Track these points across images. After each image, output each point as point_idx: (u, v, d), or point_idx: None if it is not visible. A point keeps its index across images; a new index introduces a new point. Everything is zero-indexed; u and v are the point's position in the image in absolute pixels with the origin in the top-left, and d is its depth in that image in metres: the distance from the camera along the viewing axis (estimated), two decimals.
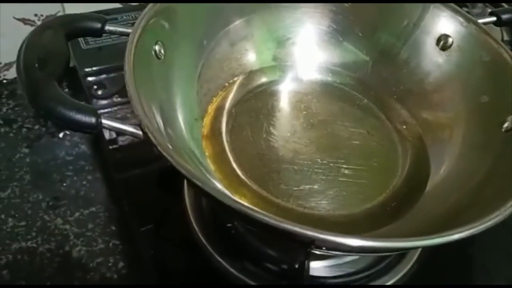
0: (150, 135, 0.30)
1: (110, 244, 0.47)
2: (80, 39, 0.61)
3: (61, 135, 0.56)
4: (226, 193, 0.38)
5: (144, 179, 0.50)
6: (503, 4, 0.71)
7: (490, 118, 0.42)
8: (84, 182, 0.52)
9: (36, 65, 0.31)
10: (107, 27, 0.38)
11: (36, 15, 0.60)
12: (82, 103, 0.32)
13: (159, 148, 0.30)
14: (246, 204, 0.29)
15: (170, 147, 0.33)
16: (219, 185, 0.39)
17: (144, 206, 0.47)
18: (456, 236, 0.30)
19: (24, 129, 0.56)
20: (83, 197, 0.51)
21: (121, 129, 0.32)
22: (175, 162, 0.29)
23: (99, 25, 0.37)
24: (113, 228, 0.48)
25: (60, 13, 0.61)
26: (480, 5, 0.68)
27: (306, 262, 0.38)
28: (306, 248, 0.37)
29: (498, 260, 0.48)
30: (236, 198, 0.39)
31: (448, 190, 0.41)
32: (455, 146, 0.43)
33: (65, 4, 0.61)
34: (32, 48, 0.32)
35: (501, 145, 0.40)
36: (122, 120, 0.42)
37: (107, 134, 0.52)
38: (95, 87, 0.59)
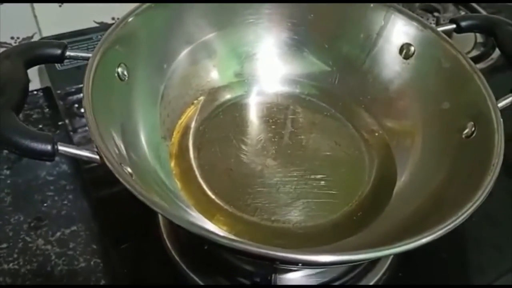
0: (106, 160, 0.31)
1: (92, 263, 0.47)
2: None
3: None
4: (187, 215, 0.38)
5: (121, 197, 0.50)
6: (473, 4, 0.72)
7: (451, 125, 0.42)
8: (65, 202, 0.53)
9: None
10: (68, 53, 0.39)
11: (12, 37, 0.61)
12: (38, 131, 0.32)
13: (114, 173, 0.31)
14: (207, 227, 0.30)
15: (130, 170, 0.34)
16: (182, 205, 0.40)
17: (122, 224, 0.48)
18: (413, 245, 0.31)
19: (5, 151, 0.57)
20: (64, 216, 0.51)
21: (78, 155, 0.32)
22: (130, 186, 0.30)
23: (59, 52, 0.38)
24: (94, 246, 0.49)
25: (37, 35, 0.62)
26: (451, 8, 0.69)
27: (273, 275, 0.39)
28: (272, 264, 0.37)
29: (487, 255, 0.48)
30: (201, 216, 0.40)
31: (411, 196, 0.41)
32: (417, 152, 0.44)
33: (41, 25, 0.62)
34: None
35: (460, 151, 0.40)
36: None
37: None
38: (76, 105, 0.59)
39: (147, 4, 0.42)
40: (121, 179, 0.30)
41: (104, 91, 0.37)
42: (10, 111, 0.32)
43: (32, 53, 0.37)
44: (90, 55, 0.38)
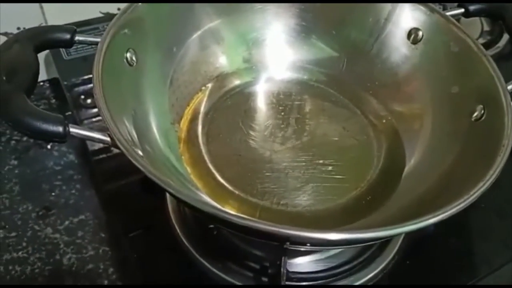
0: (117, 141, 0.31)
1: (100, 251, 0.48)
2: (62, 50, 0.61)
3: (49, 146, 0.57)
4: (196, 196, 0.38)
5: (130, 186, 0.51)
6: None
7: (460, 108, 0.42)
8: (73, 191, 0.53)
9: (4, 78, 0.32)
10: (77, 38, 0.39)
11: (19, 28, 0.61)
12: (50, 113, 0.32)
13: (125, 153, 0.31)
14: (217, 206, 0.30)
15: (140, 153, 0.34)
16: (193, 188, 0.40)
17: (130, 213, 0.48)
18: (423, 223, 0.31)
19: (13, 142, 0.57)
20: (72, 205, 0.51)
21: (90, 137, 0.33)
22: (141, 165, 0.30)
23: (68, 36, 0.38)
24: (103, 235, 0.49)
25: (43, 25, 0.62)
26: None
27: (283, 258, 0.39)
28: (282, 245, 0.37)
29: (494, 246, 0.48)
30: (211, 200, 0.40)
31: (420, 179, 0.41)
32: (426, 135, 0.44)
33: (47, 16, 0.62)
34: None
35: (469, 133, 0.41)
36: None
37: (90, 146, 0.53)
38: (82, 97, 0.59)
39: None
40: (132, 160, 0.30)
41: (113, 76, 0.37)
42: (21, 94, 0.32)
43: (42, 37, 0.37)
44: (99, 39, 0.38)
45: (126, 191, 0.50)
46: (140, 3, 0.40)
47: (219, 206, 0.39)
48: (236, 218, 0.29)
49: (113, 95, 0.36)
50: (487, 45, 0.67)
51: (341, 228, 0.39)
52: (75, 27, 0.39)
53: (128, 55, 0.41)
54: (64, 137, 0.32)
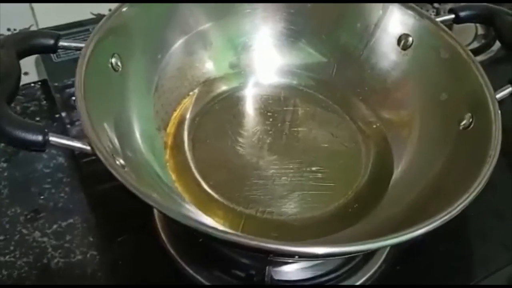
0: (96, 151, 0.31)
1: (88, 255, 0.47)
2: None
3: None
4: (178, 207, 0.38)
5: (119, 190, 0.50)
6: None
7: (449, 115, 0.42)
8: (62, 194, 0.52)
9: None
10: (61, 43, 0.38)
11: (9, 29, 0.60)
12: (30, 121, 0.32)
13: (105, 163, 0.30)
14: (198, 219, 0.29)
15: (122, 161, 0.34)
16: (176, 197, 0.39)
17: (120, 216, 0.48)
18: (406, 237, 0.30)
19: (2, 144, 0.57)
20: (61, 209, 0.51)
21: (70, 145, 0.32)
22: (121, 177, 0.30)
23: (52, 42, 0.38)
24: (91, 239, 0.49)
25: (33, 27, 0.62)
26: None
27: (268, 268, 0.39)
28: (266, 257, 0.37)
29: (490, 248, 0.47)
30: (195, 209, 0.39)
31: (408, 187, 0.41)
32: (414, 143, 0.44)
33: (38, 17, 0.61)
34: None
35: (457, 142, 0.40)
36: None
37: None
38: (73, 98, 0.59)
39: None
40: (112, 171, 0.30)
41: (97, 82, 0.37)
42: (1, 101, 0.32)
43: (26, 43, 0.37)
44: (83, 45, 0.38)
45: (115, 194, 0.49)
46: (124, 8, 0.40)
47: (200, 219, 0.38)
48: (217, 232, 0.28)
49: (97, 101, 0.35)
50: (481, 49, 0.67)
51: (327, 238, 0.39)
52: (59, 33, 0.38)
53: (113, 60, 0.40)
54: (43, 146, 0.31)
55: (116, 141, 0.36)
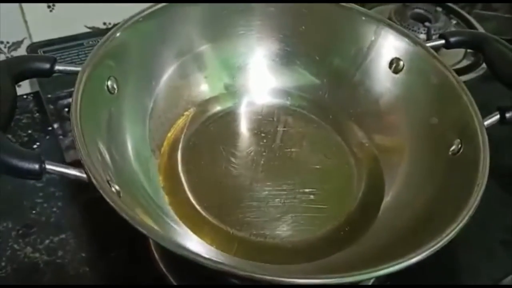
0: (93, 180, 0.31)
1: (80, 271, 0.47)
2: None
3: None
4: (170, 232, 0.39)
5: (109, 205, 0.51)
6: (467, 16, 0.72)
7: (439, 141, 0.43)
8: (54, 209, 0.52)
9: None
10: (57, 67, 0.39)
11: (2, 42, 0.60)
12: (26, 150, 0.32)
13: (102, 193, 0.31)
14: (187, 248, 0.30)
15: (117, 187, 0.34)
16: (169, 221, 0.40)
17: (112, 231, 0.48)
18: (394, 268, 0.31)
19: None
20: (53, 223, 0.51)
21: (66, 173, 0.32)
22: (116, 206, 0.30)
23: (47, 66, 0.38)
24: (83, 254, 0.49)
25: (27, 40, 0.62)
26: (443, 18, 0.69)
27: None
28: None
29: (477, 259, 0.48)
30: (188, 231, 0.40)
31: (399, 212, 0.42)
32: (405, 168, 0.44)
33: (31, 30, 0.61)
34: None
35: (447, 168, 0.41)
36: None
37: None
38: (66, 109, 0.59)
39: (136, 17, 0.42)
40: (108, 199, 0.30)
41: (93, 104, 0.37)
42: None
43: (21, 67, 0.37)
44: (79, 69, 0.38)
45: (107, 209, 0.50)
46: (119, 33, 0.40)
47: (196, 243, 0.39)
48: (210, 262, 0.29)
49: (92, 124, 0.36)
50: (470, 67, 0.67)
51: (318, 262, 0.40)
52: (54, 57, 0.38)
53: (109, 83, 0.40)
54: (40, 175, 0.32)
55: (111, 165, 0.36)
